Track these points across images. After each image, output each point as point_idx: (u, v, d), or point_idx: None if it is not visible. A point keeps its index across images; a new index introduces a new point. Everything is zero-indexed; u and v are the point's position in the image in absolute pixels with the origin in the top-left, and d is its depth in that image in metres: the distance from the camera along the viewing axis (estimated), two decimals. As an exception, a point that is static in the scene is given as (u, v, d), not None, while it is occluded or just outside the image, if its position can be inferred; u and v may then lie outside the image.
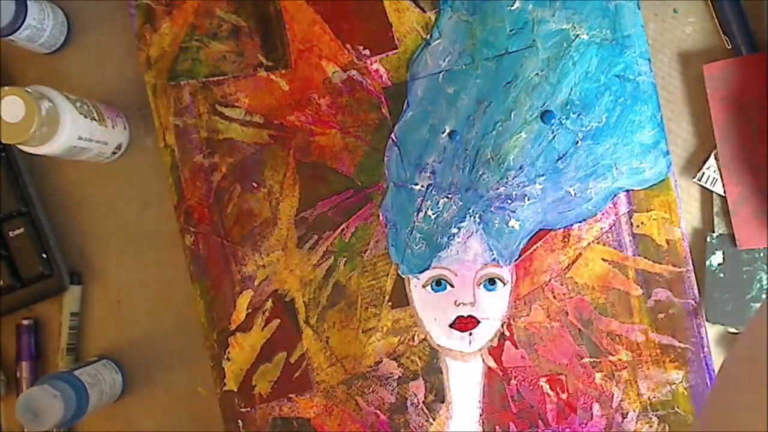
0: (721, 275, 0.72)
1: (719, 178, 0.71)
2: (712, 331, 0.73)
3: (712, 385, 0.71)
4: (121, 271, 0.79)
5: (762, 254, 0.71)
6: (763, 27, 0.71)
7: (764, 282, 0.71)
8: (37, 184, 0.78)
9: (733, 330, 0.72)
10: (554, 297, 0.73)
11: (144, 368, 0.79)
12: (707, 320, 0.72)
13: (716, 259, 0.72)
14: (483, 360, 0.74)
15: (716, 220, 0.72)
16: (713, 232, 0.72)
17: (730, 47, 0.71)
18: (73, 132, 0.69)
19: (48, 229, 0.77)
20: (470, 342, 0.74)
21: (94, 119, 0.72)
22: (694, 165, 0.73)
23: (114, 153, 0.77)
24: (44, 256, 0.77)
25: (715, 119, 0.71)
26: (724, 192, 0.71)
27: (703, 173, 0.72)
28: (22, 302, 0.78)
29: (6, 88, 0.65)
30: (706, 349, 0.72)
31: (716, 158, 0.71)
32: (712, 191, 0.72)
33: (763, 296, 0.71)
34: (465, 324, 0.74)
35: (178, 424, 0.79)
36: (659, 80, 0.73)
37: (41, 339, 0.80)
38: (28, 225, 0.76)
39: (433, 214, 0.74)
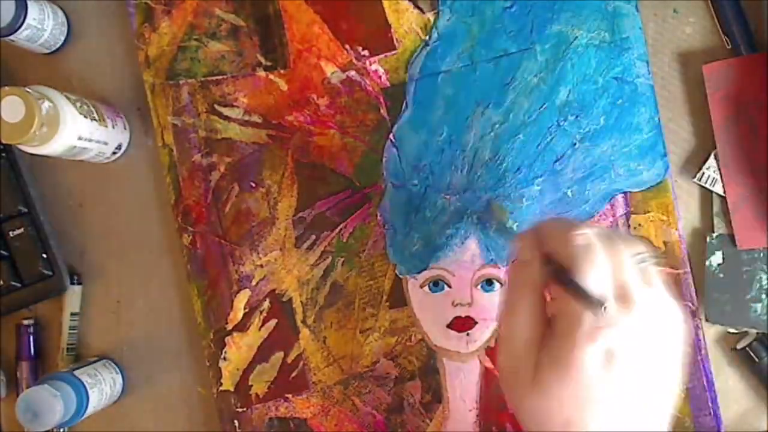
0: (721, 275, 0.72)
1: (719, 178, 0.71)
2: (711, 332, 0.73)
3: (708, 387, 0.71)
4: (121, 271, 0.79)
5: (762, 254, 0.71)
6: (763, 27, 0.71)
7: (764, 282, 0.71)
8: (37, 184, 0.78)
9: (733, 330, 0.72)
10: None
11: (144, 368, 0.79)
12: (707, 320, 0.72)
13: (716, 259, 0.72)
14: (480, 360, 0.74)
15: (716, 220, 0.72)
16: (713, 232, 0.72)
17: (730, 47, 0.71)
18: (73, 132, 0.69)
19: (48, 229, 0.77)
20: (467, 342, 0.74)
21: (94, 119, 0.72)
22: (693, 165, 0.73)
23: (114, 153, 0.77)
24: (44, 256, 0.77)
25: (714, 119, 0.71)
26: (724, 192, 0.71)
27: (703, 173, 0.72)
28: (22, 302, 0.78)
29: (6, 88, 0.65)
30: (703, 351, 0.72)
31: (716, 158, 0.71)
32: (711, 191, 0.72)
33: (763, 296, 0.70)
34: (462, 324, 0.74)
35: (178, 424, 0.79)
36: (659, 80, 0.73)
37: (41, 339, 0.80)
38: (28, 225, 0.77)
39: (431, 214, 0.74)
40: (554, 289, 0.54)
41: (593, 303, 0.50)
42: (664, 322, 0.53)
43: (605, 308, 0.50)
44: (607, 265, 0.52)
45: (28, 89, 0.66)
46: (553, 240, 0.54)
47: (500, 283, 0.73)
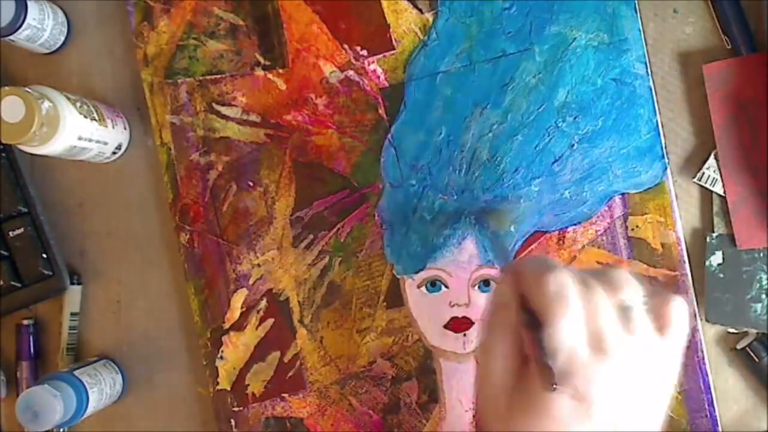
0: (721, 275, 0.71)
1: (719, 178, 0.71)
2: (711, 332, 0.73)
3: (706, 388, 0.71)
4: (121, 271, 0.79)
5: (762, 254, 0.71)
6: (763, 27, 0.70)
7: (764, 282, 0.70)
8: (37, 184, 0.79)
9: (733, 330, 0.72)
10: (550, 298, 0.73)
11: (144, 368, 0.79)
12: (707, 320, 0.72)
13: (716, 259, 0.71)
14: (477, 361, 0.74)
15: (716, 220, 0.72)
16: (713, 232, 0.72)
17: (730, 47, 0.71)
18: (73, 132, 0.69)
19: (48, 229, 0.77)
20: (464, 343, 0.74)
21: (94, 119, 0.72)
22: (693, 165, 0.72)
23: (114, 153, 0.77)
24: (44, 256, 0.77)
25: (714, 119, 0.71)
26: (724, 192, 0.71)
27: (703, 173, 0.71)
28: (22, 302, 0.78)
29: (6, 88, 0.65)
30: (700, 353, 0.71)
31: (716, 158, 0.71)
32: (711, 191, 0.72)
33: (763, 296, 0.70)
34: (459, 325, 0.73)
35: (178, 424, 0.79)
36: (659, 80, 0.73)
37: (41, 339, 0.80)
38: (28, 225, 0.77)
39: (428, 215, 0.74)
40: (527, 335, 0.52)
41: (547, 374, 0.48)
42: (646, 367, 0.50)
43: (555, 387, 0.48)
44: (579, 312, 0.49)
45: (28, 89, 0.66)
46: (528, 282, 0.52)
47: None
